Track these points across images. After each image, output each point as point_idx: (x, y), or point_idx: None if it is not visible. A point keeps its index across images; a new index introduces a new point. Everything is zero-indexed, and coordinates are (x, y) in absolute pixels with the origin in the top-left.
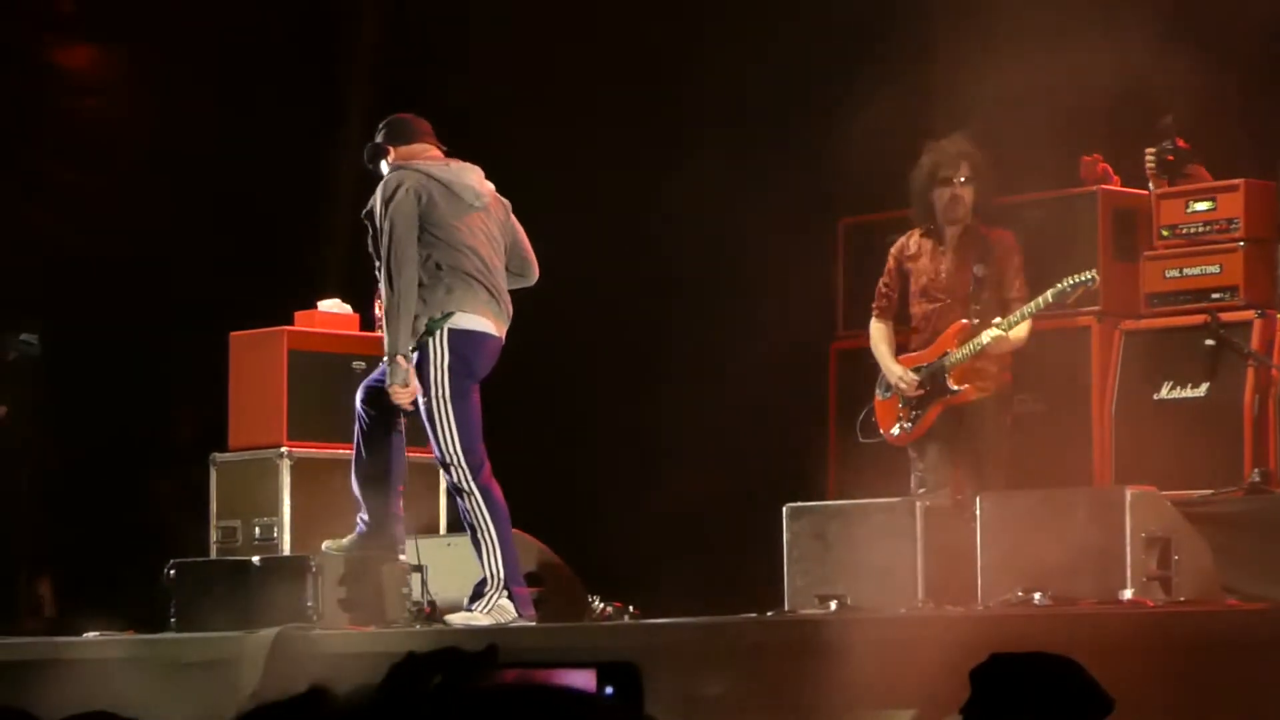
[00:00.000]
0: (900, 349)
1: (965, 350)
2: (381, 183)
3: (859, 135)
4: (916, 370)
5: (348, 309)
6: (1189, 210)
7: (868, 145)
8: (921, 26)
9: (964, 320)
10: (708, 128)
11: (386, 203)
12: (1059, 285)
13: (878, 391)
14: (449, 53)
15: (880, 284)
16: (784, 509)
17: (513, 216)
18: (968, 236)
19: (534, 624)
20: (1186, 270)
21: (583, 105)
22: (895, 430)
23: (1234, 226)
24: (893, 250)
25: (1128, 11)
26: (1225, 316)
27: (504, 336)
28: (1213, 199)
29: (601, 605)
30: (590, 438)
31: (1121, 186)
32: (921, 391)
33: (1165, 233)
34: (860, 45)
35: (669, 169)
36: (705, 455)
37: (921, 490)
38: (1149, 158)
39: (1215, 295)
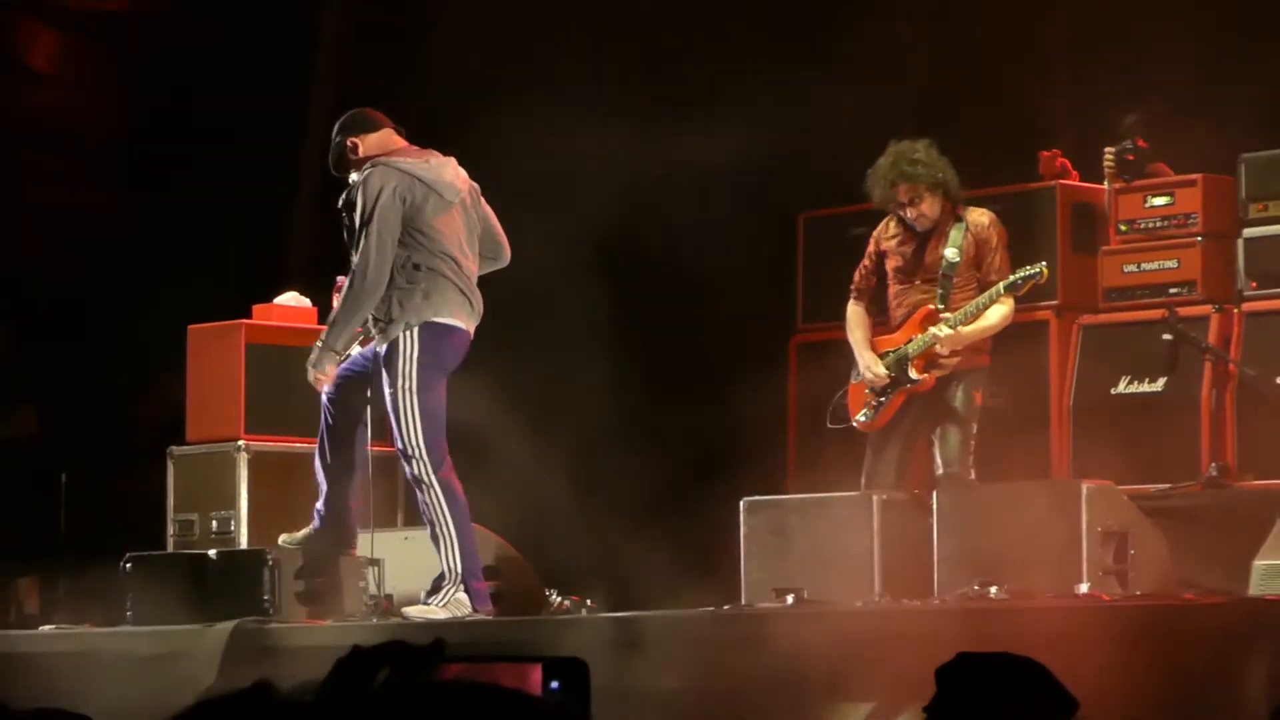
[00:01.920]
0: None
1: (924, 339)
2: (363, 178)
3: (818, 128)
4: (885, 356)
5: (306, 302)
6: (1147, 205)
7: (827, 138)
8: (883, 20)
9: (930, 306)
10: (668, 119)
11: (370, 201)
12: (1009, 278)
13: (852, 375)
14: (412, 44)
15: (860, 267)
16: (741, 503)
17: (483, 201)
18: (942, 221)
19: (491, 618)
20: (1144, 265)
21: (548, 97)
22: (860, 417)
23: (1192, 221)
24: (874, 234)
25: (1087, 6)
26: (1183, 311)
27: (473, 333)
28: (1171, 194)
29: (559, 599)
30: (549, 431)
31: (1080, 181)
32: (887, 381)
33: (1123, 227)
34: (820, 37)
35: (630, 160)
36: (664, 448)
37: (865, 489)
38: (1108, 157)
39: (1173, 290)
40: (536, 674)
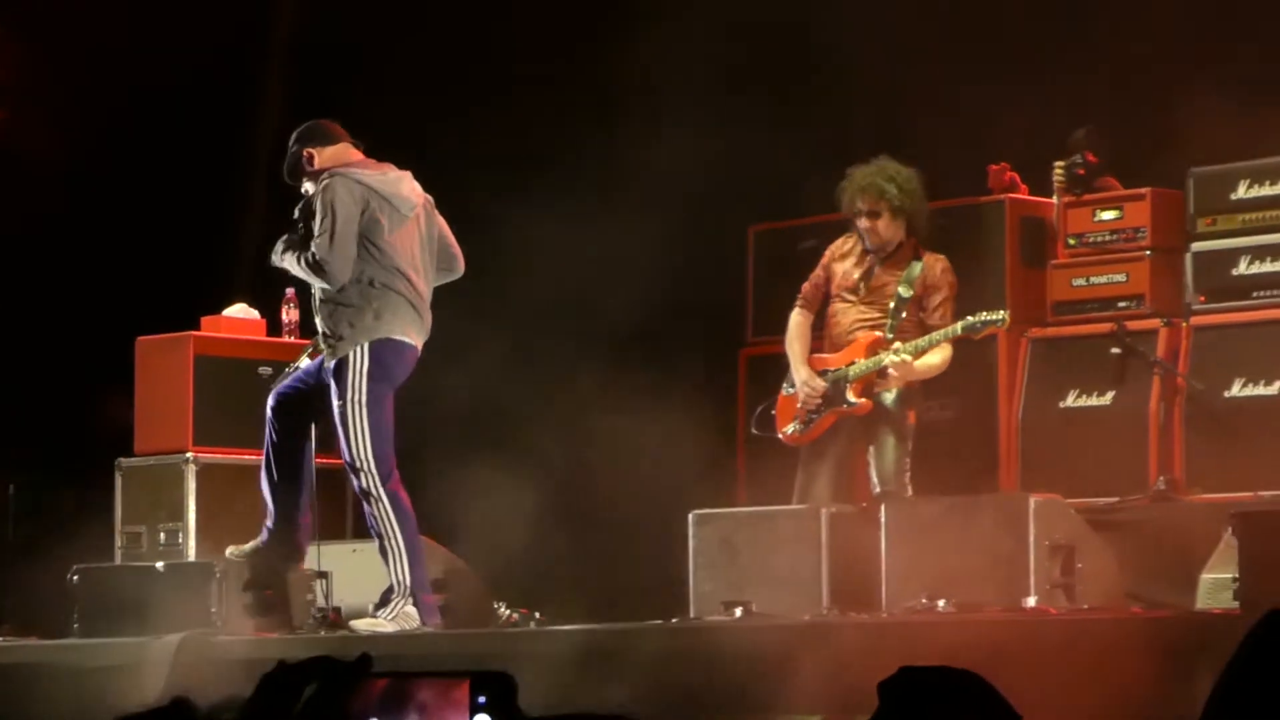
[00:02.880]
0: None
1: (869, 364)
2: (322, 187)
3: (770, 141)
4: (824, 374)
5: (255, 314)
6: (1096, 219)
7: (781, 151)
8: (836, 33)
9: (879, 334)
10: (620, 130)
11: (329, 209)
12: (969, 320)
13: (784, 386)
14: (365, 54)
15: (811, 277)
16: (690, 515)
17: (436, 213)
18: (901, 254)
19: (439, 631)
20: (1093, 279)
21: (495, 108)
22: (789, 429)
23: (1140, 235)
24: (830, 247)
25: (1038, 21)
26: (1131, 325)
27: (421, 348)
28: (1119, 208)
29: (508, 612)
30: (497, 444)
31: (1029, 195)
32: (820, 401)
33: (1072, 241)
34: (775, 51)
35: (582, 169)
36: (613, 461)
37: (797, 504)
38: (1057, 171)
39: (1121, 304)
40: (463, 689)
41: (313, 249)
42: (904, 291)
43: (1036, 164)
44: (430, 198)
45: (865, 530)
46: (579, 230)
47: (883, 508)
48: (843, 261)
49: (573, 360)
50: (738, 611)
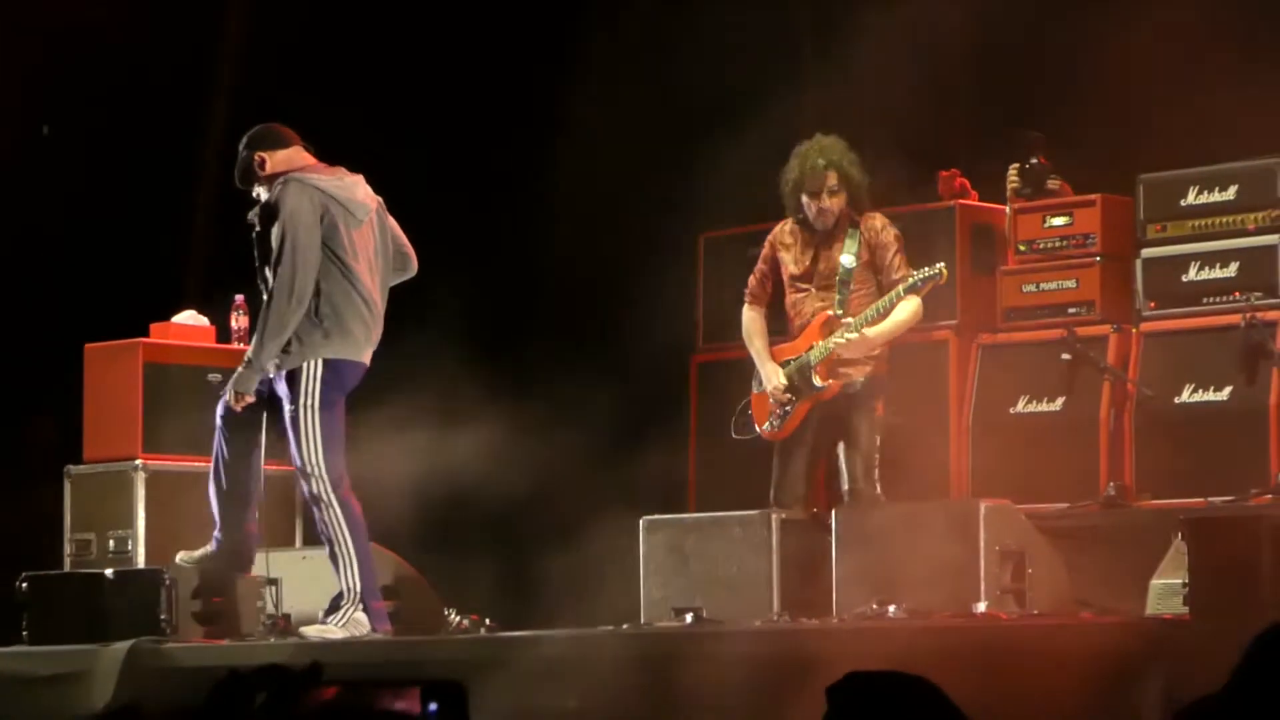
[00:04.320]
0: (777, 337)
1: (826, 346)
2: (280, 194)
3: (718, 149)
4: (786, 364)
5: (204, 321)
6: (1046, 225)
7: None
8: (785, 40)
9: (829, 312)
10: (570, 139)
11: (291, 217)
12: (910, 279)
13: (754, 384)
14: (313, 60)
15: (755, 271)
16: (641, 521)
17: (388, 215)
18: (839, 226)
19: (389, 637)
20: (1043, 285)
21: (446, 112)
22: (766, 426)
23: (1090, 242)
24: (769, 237)
25: (987, 27)
26: (1082, 331)
27: (369, 360)
28: (1069, 214)
29: (458, 618)
30: (447, 449)
31: (979, 201)
32: (789, 396)
33: (1022, 247)
34: (723, 58)
35: (531, 178)
36: (564, 467)
37: (774, 501)
38: (1011, 174)
39: (1072, 310)
40: (414, 697)
41: (279, 269)
42: (848, 262)
43: (988, 170)
44: (381, 200)
45: (816, 536)
46: (527, 236)
47: (834, 514)
48: (787, 251)
49: (523, 366)
50: (688, 618)
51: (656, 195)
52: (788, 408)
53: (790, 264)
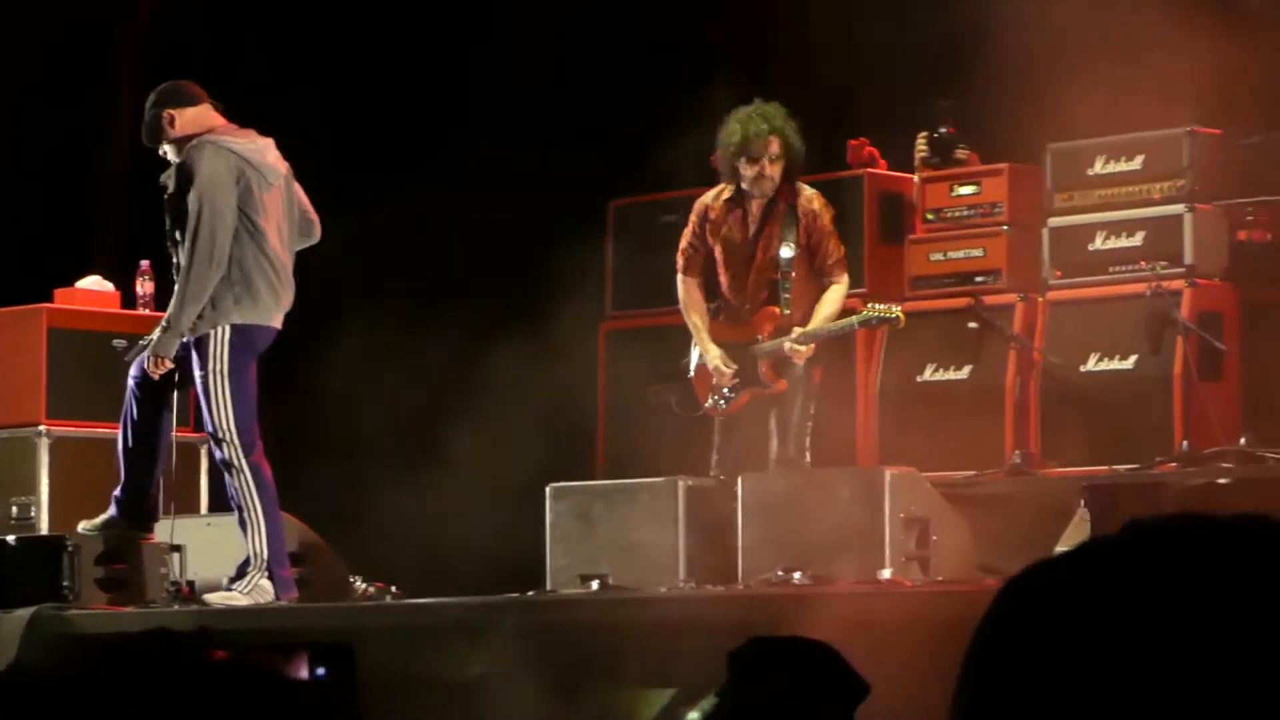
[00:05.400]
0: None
1: (771, 346)
2: (195, 156)
3: (628, 115)
4: (726, 347)
5: (109, 287)
6: (953, 194)
7: (637, 125)
8: (690, 7)
9: (775, 308)
10: (478, 107)
11: (207, 180)
12: (865, 314)
13: (694, 357)
14: (224, 21)
15: (684, 241)
16: (548, 489)
17: (294, 182)
18: (773, 209)
19: (293, 604)
20: (950, 254)
21: (351, 83)
22: (709, 403)
23: (998, 210)
24: (696, 206)
25: None
26: (988, 300)
27: (280, 323)
28: (977, 183)
29: (364, 586)
30: (355, 417)
31: (887, 170)
32: (736, 380)
33: (930, 216)
34: (634, 25)
35: (436, 147)
36: (472, 435)
37: (717, 471)
38: (920, 143)
39: (979, 279)
40: (303, 661)
41: (198, 233)
42: (786, 252)
43: (895, 139)
44: (289, 166)
45: (722, 503)
46: (439, 205)
47: (740, 481)
48: (720, 231)
49: (432, 335)
50: (594, 585)
51: (566, 163)
52: (732, 393)
53: (725, 246)
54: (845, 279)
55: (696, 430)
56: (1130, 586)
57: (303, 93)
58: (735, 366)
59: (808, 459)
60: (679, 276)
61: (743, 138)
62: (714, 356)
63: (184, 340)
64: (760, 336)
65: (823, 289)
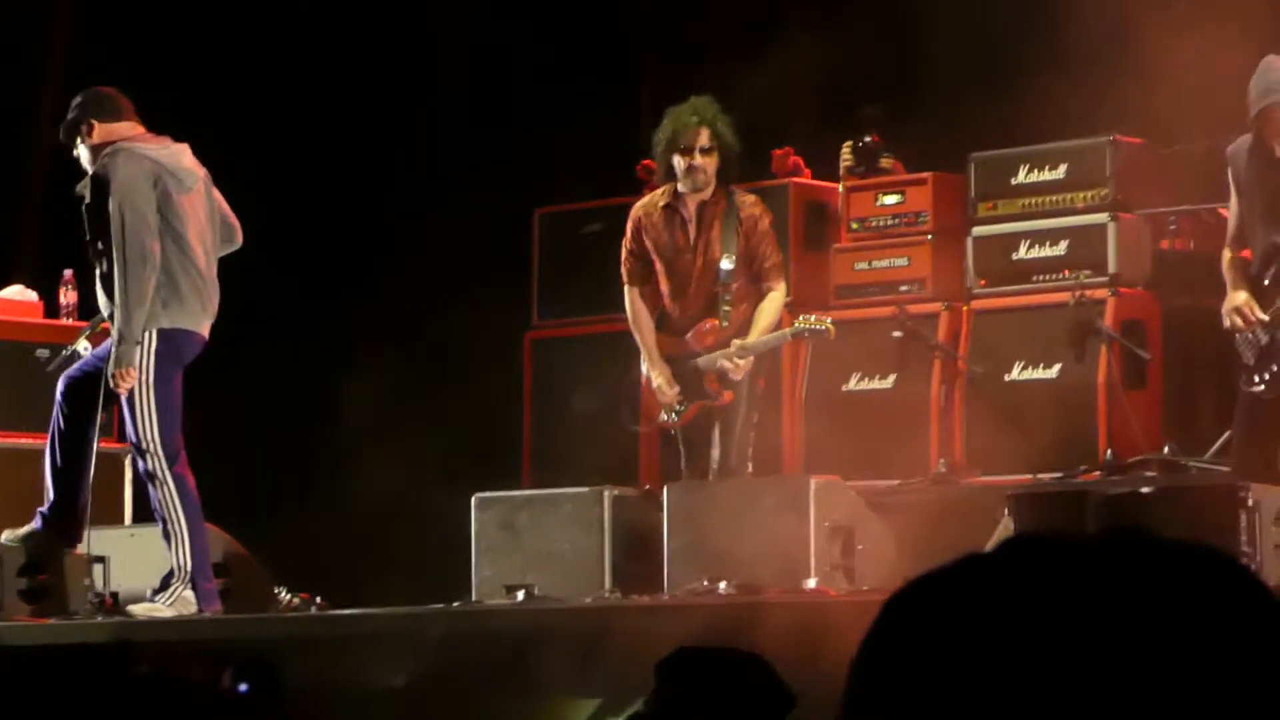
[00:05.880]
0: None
1: (711, 360)
2: (111, 164)
3: (554, 124)
4: (673, 360)
5: (32, 296)
6: (878, 203)
7: (563, 134)
8: (631, 17)
9: (715, 320)
10: (404, 113)
11: (124, 185)
12: (796, 325)
13: (644, 372)
14: (148, 28)
15: (624, 251)
16: (473, 498)
17: (213, 187)
18: (709, 213)
19: (217, 616)
20: (875, 263)
21: (282, 85)
22: (663, 417)
23: (922, 220)
24: (632, 213)
25: (823, 4)
26: (913, 308)
27: (208, 332)
28: (901, 192)
29: (288, 597)
30: (281, 427)
31: (812, 179)
32: (683, 398)
33: (855, 225)
34: (563, 33)
35: (365, 151)
36: (398, 445)
37: (687, 472)
38: (844, 153)
39: (903, 288)
40: (226, 676)
41: (126, 239)
42: (726, 264)
43: (821, 148)
44: (208, 172)
45: (648, 512)
46: (362, 210)
47: (665, 490)
48: (657, 237)
49: (356, 343)
50: (520, 595)
51: (492, 170)
52: (681, 407)
53: (662, 253)
54: (783, 285)
55: (622, 440)
56: (1001, 602)
57: (222, 100)
58: (678, 388)
59: (749, 468)
60: (625, 289)
61: (672, 130)
62: (658, 376)
63: (108, 350)
64: (702, 351)
65: (761, 295)
